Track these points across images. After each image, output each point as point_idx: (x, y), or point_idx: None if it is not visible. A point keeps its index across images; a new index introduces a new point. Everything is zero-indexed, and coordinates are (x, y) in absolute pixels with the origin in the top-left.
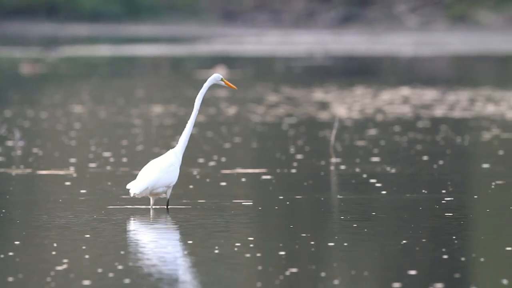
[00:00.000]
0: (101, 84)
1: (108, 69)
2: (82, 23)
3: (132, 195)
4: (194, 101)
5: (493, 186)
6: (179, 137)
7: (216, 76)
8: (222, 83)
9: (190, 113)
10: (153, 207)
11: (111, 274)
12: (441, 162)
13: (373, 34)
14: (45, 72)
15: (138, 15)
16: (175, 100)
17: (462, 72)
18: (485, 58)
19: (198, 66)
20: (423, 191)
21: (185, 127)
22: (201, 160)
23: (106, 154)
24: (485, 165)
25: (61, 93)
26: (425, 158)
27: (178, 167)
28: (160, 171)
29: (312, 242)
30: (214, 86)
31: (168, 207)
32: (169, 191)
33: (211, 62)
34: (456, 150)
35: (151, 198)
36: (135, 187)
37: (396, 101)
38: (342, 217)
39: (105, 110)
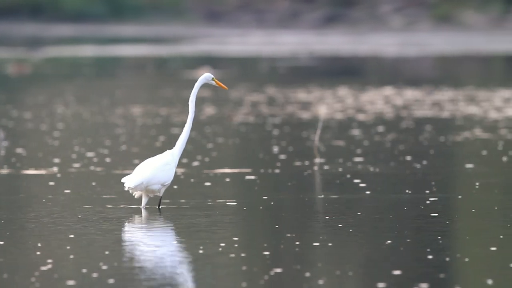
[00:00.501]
0: (85, 85)
1: (92, 69)
2: (66, 24)
3: (127, 188)
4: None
5: (477, 186)
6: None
7: (207, 75)
8: (213, 82)
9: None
10: (145, 206)
11: (95, 274)
12: (424, 162)
13: (357, 35)
14: (32, 72)
15: (122, 15)
16: (159, 100)
17: (446, 72)
18: (469, 58)
19: (183, 66)
20: (407, 191)
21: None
22: (184, 160)
23: (90, 154)
24: (469, 165)
25: (45, 93)
26: (408, 158)
27: (174, 167)
28: (155, 169)
29: (297, 242)
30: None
31: (160, 207)
32: (163, 190)
33: (196, 62)
34: (439, 150)
35: (143, 197)
36: (130, 181)
37: (379, 101)
38: (327, 217)
39: (89, 110)
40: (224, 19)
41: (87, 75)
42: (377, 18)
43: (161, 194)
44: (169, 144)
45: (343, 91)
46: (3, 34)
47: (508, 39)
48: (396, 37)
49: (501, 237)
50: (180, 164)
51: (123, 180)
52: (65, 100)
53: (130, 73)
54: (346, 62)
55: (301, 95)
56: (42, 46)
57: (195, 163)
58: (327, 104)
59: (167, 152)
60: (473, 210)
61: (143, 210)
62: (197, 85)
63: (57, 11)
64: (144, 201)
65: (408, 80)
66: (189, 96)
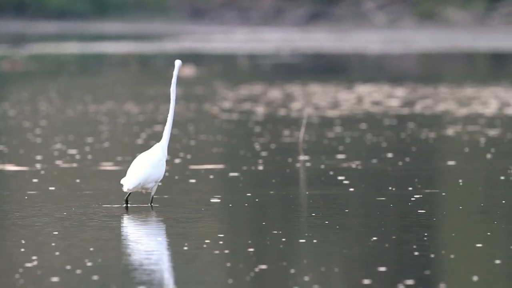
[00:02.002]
0: (69, 82)
1: (76, 66)
2: (49, 21)
3: (125, 190)
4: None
5: (461, 183)
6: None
7: (179, 62)
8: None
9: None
10: (152, 204)
11: (80, 271)
12: (407, 159)
13: (341, 32)
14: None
15: (105, 13)
16: (143, 97)
17: (430, 69)
18: (453, 55)
19: (167, 64)
20: (392, 188)
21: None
22: (168, 157)
23: (73, 151)
24: (452, 162)
25: (29, 90)
26: (391, 155)
27: (165, 162)
28: (151, 167)
29: (282, 239)
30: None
31: (152, 204)
32: (155, 188)
33: (179, 59)
34: (422, 147)
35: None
36: (128, 183)
37: (363, 98)
38: (313, 214)
39: (72, 107)
40: (208, 16)
41: (71, 72)
42: (361, 15)
43: (153, 192)
44: (152, 141)
45: (326, 88)
46: None
47: (492, 36)
48: (379, 34)
49: (488, 234)
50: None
51: (121, 181)
52: (49, 97)
53: (114, 70)
54: (329, 59)
55: (284, 92)
56: (26, 43)
57: (179, 160)
58: (310, 101)
59: (156, 146)
60: (459, 207)
61: (126, 203)
62: (175, 74)
63: (41, 8)
64: (127, 196)
65: (391, 77)
66: (168, 92)
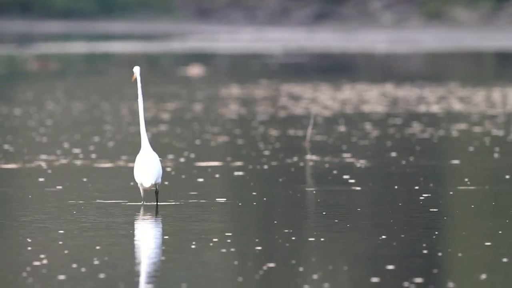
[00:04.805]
0: (75, 81)
1: (83, 66)
2: (55, 20)
3: (148, 185)
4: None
5: (467, 182)
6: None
7: (138, 68)
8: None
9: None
10: (158, 203)
11: (87, 269)
12: (411, 158)
13: (347, 31)
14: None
15: (111, 12)
16: (148, 96)
17: (436, 69)
18: (459, 55)
19: (174, 63)
20: (400, 187)
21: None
22: (172, 156)
23: (78, 150)
24: (456, 161)
25: (35, 90)
26: (397, 154)
27: None
28: (158, 161)
29: (291, 237)
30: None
31: (146, 203)
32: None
33: (186, 59)
34: (426, 146)
35: (142, 192)
36: (149, 177)
37: (368, 97)
38: (321, 213)
39: (78, 106)
40: (214, 16)
41: (77, 71)
42: (367, 15)
43: (156, 190)
44: (157, 140)
45: (332, 88)
46: None
47: (498, 36)
48: (386, 34)
49: (498, 232)
50: (168, 160)
51: (140, 180)
52: (55, 96)
53: (120, 70)
54: (335, 59)
55: (290, 91)
56: (32, 43)
57: (185, 159)
58: (316, 100)
59: (147, 146)
60: (467, 205)
61: (143, 205)
62: (138, 79)
63: (46, 8)
64: (143, 195)
65: (397, 77)
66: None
